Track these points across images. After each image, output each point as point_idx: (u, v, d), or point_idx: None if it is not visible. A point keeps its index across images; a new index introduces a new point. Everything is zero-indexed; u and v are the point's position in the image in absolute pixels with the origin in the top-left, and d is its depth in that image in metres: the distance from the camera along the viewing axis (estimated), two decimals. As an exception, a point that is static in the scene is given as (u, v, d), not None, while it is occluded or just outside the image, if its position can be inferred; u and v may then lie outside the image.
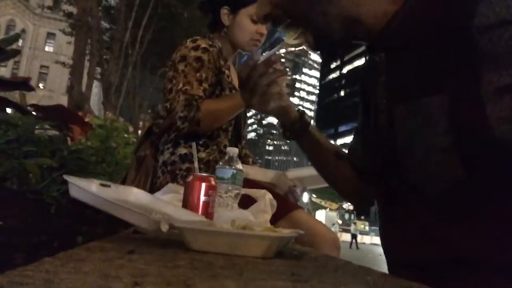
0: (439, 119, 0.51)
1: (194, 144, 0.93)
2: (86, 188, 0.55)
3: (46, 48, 35.84)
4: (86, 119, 1.78)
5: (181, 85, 1.28)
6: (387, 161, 0.63)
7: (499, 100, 0.47)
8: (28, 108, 1.46)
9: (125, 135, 2.60)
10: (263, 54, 0.79)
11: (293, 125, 0.83)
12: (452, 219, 0.53)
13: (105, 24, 14.22)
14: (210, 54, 1.36)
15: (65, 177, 0.55)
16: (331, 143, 0.89)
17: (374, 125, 0.67)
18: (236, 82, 1.45)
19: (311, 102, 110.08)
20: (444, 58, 0.52)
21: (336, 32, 0.64)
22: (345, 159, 0.83)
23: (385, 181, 0.65)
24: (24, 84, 1.47)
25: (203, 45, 1.36)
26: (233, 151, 0.90)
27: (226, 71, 1.41)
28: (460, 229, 0.52)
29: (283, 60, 0.84)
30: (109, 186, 0.63)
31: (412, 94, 0.56)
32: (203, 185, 0.75)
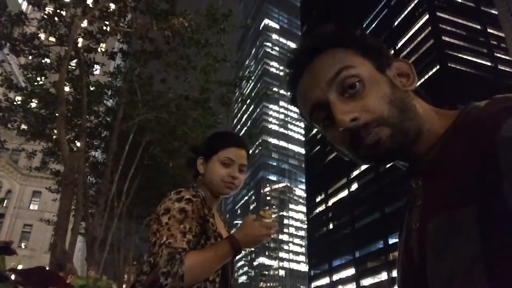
0: (468, 229, 0.53)
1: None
2: None
3: (31, 207, 35.73)
4: (68, 280, 1.70)
5: (164, 239, 1.27)
6: (418, 284, 0.61)
7: None
8: (7, 273, 1.40)
9: (109, 294, 2.46)
10: None
11: None
12: None
13: (91, 179, 14.52)
14: (194, 204, 1.38)
15: None
16: None
17: (405, 250, 0.67)
18: (221, 230, 1.45)
19: (301, 237, 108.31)
20: (471, 173, 0.55)
21: (410, 138, 0.67)
22: None
23: None
24: (5, 248, 1.44)
25: (187, 196, 1.39)
26: None
27: (211, 219, 1.42)
28: None
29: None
30: None
31: (441, 209, 0.58)
32: None
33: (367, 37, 0.74)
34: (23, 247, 33.05)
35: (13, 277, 1.42)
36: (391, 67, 0.73)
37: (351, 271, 61.46)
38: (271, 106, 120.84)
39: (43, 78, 11.84)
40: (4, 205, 34.19)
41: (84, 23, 10.76)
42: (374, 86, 0.68)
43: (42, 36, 11.33)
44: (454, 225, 0.55)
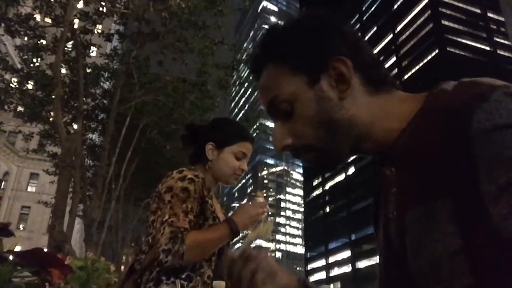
0: (446, 223, 0.52)
1: (178, 281, 0.90)
2: None
3: (29, 189, 35.81)
4: (66, 262, 1.71)
5: (167, 217, 1.29)
6: (400, 274, 0.61)
7: (499, 198, 0.49)
8: (5, 254, 1.41)
9: (107, 276, 2.49)
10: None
11: None
12: None
13: (89, 162, 14.52)
14: (196, 185, 1.40)
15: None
16: None
17: (385, 238, 0.67)
18: (219, 212, 1.47)
19: (298, 220, 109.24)
20: (447, 164, 0.55)
21: (345, 151, 0.69)
22: None
23: None
24: (3, 230, 1.44)
25: (189, 176, 1.41)
26: (219, 285, 0.87)
27: (210, 201, 1.44)
28: None
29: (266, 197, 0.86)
30: None
31: (418, 200, 0.57)
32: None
33: (296, 48, 0.70)
34: (21, 229, 33.22)
35: (11, 258, 1.43)
36: (328, 70, 0.68)
37: (347, 253, 62.25)
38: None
39: (39, 59, 11.72)
40: (1, 187, 34.26)
41: (80, 4, 10.60)
42: (301, 109, 0.68)
43: (38, 17, 11.18)
44: (431, 218, 0.55)
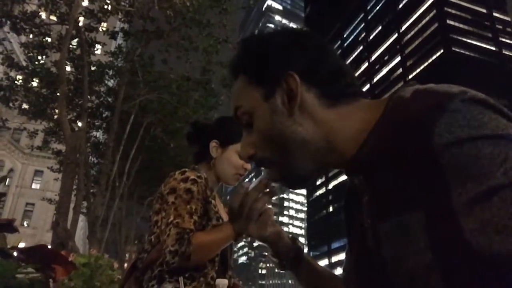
0: (419, 236, 0.52)
1: (181, 279, 0.90)
2: None
3: (33, 186, 35.97)
4: (70, 258, 1.72)
5: (172, 218, 1.29)
6: (378, 282, 0.61)
7: (470, 211, 0.48)
8: (9, 250, 1.42)
9: (110, 272, 2.50)
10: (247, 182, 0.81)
11: (288, 253, 0.81)
12: None
13: (93, 159, 14.57)
14: (198, 185, 1.40)
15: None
16: (329, 271, 0.86)
17: (363, 247, 0.66)
18: (222, 212, 1.47)
19: (301, 220, 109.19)
20: (415, 177, 0.54)
21: (307, 168, 0.69)
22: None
23: None
24: (7, 226, 1.45)
25: (192, 177, 1.40)
26: (222, 283, 0.87)
27: (213, 201, 1.44)
28: None
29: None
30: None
31: (391, 212, 0.57)
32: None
33: (260, 59, 0.71)
34: (25, 225, 33.39)
35: (15, 254, 1.44)
36: (281, 85, 0.68)
37: (349, 253, 62.15)
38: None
39: (44, 57, 11.76)
40: (6, 184, 34.42)
41: (85, 2, 10.66)
42: (257, 121, 0.70)
43: (43, 14, 11.21)
44: (404, 231, 0.54)
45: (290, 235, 0.84)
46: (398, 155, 0.57)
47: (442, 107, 0.53)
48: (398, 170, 0.56)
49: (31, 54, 11.56)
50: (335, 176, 68.52)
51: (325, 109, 0.68)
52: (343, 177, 65.03)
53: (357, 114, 0.68)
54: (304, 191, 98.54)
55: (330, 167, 0.71)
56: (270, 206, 0.83)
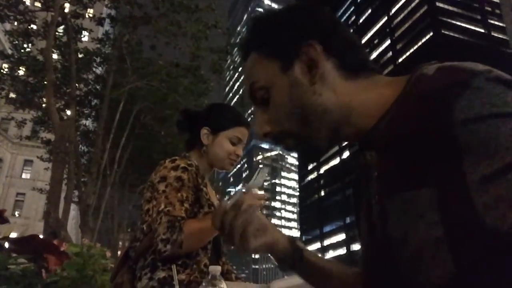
0: (430, 211, 0.53)
1: (174, 267, 0.90)
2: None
3: (23, 175, 35.64)
4: (62, 248, 1.71)
5: (162, 206, 1.29)
6: (384, 260, 0.62)
7: (483, 188, 0.49)
8: (0, 241, 1.41)
9: (103, 261, 2.50)
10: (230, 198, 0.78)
11: (286, 257, 0.79)
12: None
13: (83, 148, 14.46)
14: (189, 173, 1.39)
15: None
16: (336, 264, 0.84)
17: (368, 221, 0.67)
18: (214, 199, 1.47)
19: (293, 204, 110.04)
20: (429, 153, 0.54)
21: (323, 138, 0.69)
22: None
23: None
24: (-3, 217, 1.44)
25: (183, 165, 1.40)
26: (215, 269, 0.87)
27: (204, 189, 1.43)
28: None
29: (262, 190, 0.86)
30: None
31: (402, 188, 0.57)
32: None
33: (276, 33, 0.71)
34: (16, 215, 33.19)
35: (7, 245, 1.43)
36: (300, 57, 0.69)
37: (341, 236, 62.92)
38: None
39: (30, 44, 11.55)
40: (-4, 174, 34.10)
41: (71, -13, 10.42)
42: (275, 95, 0.70)
43: (27, 1, 10.97)
44: (414, 206, 0.55)
45: (290, 237, 0.81)
46: (415, 130, 0.57)
47: (466, 83, 0.54)
48: (413, 145, 0.57)
49: (17, 42, 11.35)
50: (327, 161, 68.90)
51: (344, 81, 0.69)
52: (335, 162, 65.44)
53: (376, 89, 0.68)
54: (295, 176, 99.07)
55: (345, 139, 0.72)
56: (260, 216, 0.78)
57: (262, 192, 1.46)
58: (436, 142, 0.53)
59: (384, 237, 0.60)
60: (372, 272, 0.68)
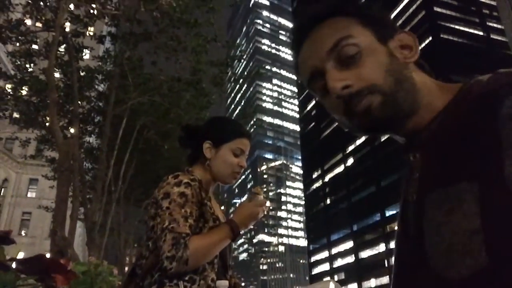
0: (469, 204, 0.53)
1: (181, 283, 0.90)
2: None
3: (29, 194, 35.74)
4: (69, 267, 1.71)
5: (167, 223, 1.28)
6: (414, 257, 0.62)
7: None
8: (8, 262, 1.41)
9: (110, 279, 2.49)
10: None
11: None
12: None
13: (87, 165, 14.50)
14: (192, 188, 1.39)
15: None
16: None
17: (402, 221, 0.68)
18: (218, 212, 1.47)
19: (299, 213, 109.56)
20: (473, 147, 0.56)
21: (405, 109, 0.67)
22: None
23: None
24: (4, 238, 1.44)
25: (185, 180, 1.40)
26: (222, 284, 0.87)
27: (208, 203, 1.43)
28: None
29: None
30: None
31: (442, 183, 0.58)
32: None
33: (371, 7, 0.73)
34: (23, 234, 33.20)
35: (14, 266, 1.43)
36: (394, 38, 0.72)
37: (349, 244, 62.47)
38: (264, 84, 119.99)
39: (32, 65, 11.67)
40: (1, 194, 34.18)
41: (71, 7, 10.54)
42: (371, 56, 0.68)
43: (29, 22, 11.11)
44: (453, 200, 0.55)
45: None
46: (463, 127, 0.59)
47: None
48: (459, 141, 0.58)
49: (19, 62, 11.47)
50: (331, 169, 68.76)
51: (420, 72, 0.71)
52: (339, 169, 65.27)
53: (435, 89, 0.70)
54: (300, 185, 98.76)
55: (398, 131, 0.71)
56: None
57: (261, 197, 1.48)
58: (480, 136, 0.55)
59: (417, 232, 0.61)
60: (403, 270, 0.68)
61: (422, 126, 0.67)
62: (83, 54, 12.03)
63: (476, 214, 0.53)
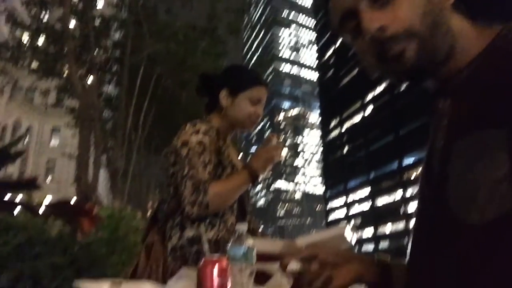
0: (496, 150, 0.53)
1: (202, 226, 0.93)
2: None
3: (52, 143, 36.70)
4: (94, 211, 1.79)
5: (186, 171, 1.32)
6: (436, 203, 0.63)
7: None
8: (36, 207, 1.47)
9: (134, 222, 2.60)
10: None
11: (380, 282, 0.77)
12: (487, 257, 0.53)
13: (107, 113, 14.68)
14: (210, 136, 1.41)
15: (77, 283, 0.55)
16: None
17: (426, 169, 0.68)
18: (236, 160, 1.49)
19: (316, 162, 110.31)
20: (502, 97, 0.55)
21: (441, 53, 0.65)
22: None
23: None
24: (31, 184, 1.50)
25: (203, 128, 1.42)
26: (242, 228, 0.90)
27: (226, 150, 1.45)
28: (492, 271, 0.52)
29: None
30: (120, 284, 0.62)
31: (470, 130, 0.58)
32: (216, 268, 0.74)
33: None
34: (48, 181, 34.43)
35: (42, 210, 1.50)
36: None
37: (366, 191, 63.10)
38: (281, 31, 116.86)
39: (47, 13, 11.55)
40: (25, 143, 35.18)
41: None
42: None
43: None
44: (482, 146, 0.55)
45: (374, 258, 0.78)
46: (496, 80, 0.58)
47: None
48: (491, 92, 0.58)
49: (33, 11, 11.36)
50: (349, 118, 68.14)
51: (459, 15, 0.67)
52: (357, 118, 64.60)
53: (472, 35, 0.67)
54: (318, 134, 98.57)
55: (427, 75, 0.69)
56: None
57: (275, 142, 1.48)
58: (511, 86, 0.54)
59: (441, 180, 0.61)
60: (424, 214, 0.69)
61: (454, 72, 0.65)
62: (97, 1, 11.83)
63: (504, 160, 0.52)
